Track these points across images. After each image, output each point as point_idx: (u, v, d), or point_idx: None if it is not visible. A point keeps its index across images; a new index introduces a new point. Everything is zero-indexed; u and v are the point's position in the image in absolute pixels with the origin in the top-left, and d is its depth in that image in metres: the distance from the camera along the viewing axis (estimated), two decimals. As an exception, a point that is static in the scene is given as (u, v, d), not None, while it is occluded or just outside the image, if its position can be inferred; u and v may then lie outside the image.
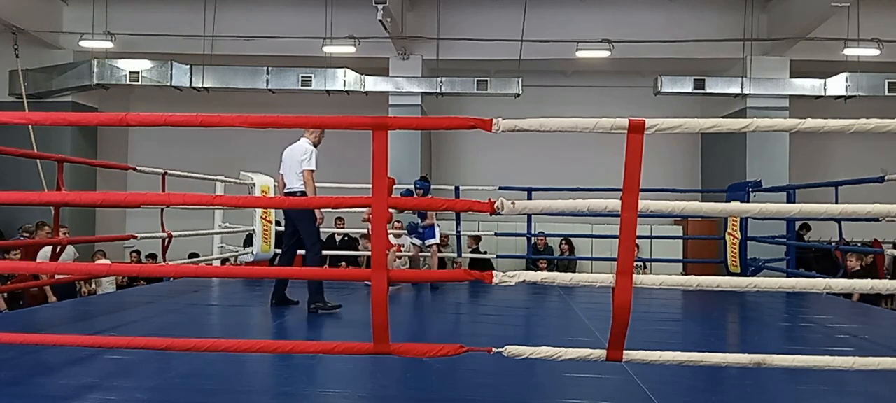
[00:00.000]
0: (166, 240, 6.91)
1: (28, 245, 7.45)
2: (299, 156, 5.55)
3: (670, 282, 2.78)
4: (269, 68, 11.54)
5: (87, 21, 11.55)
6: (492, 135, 2.60)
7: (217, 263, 8.40)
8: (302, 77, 11.52)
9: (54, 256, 5.40)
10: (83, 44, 11.61)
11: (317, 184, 5.57)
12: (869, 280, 2.69)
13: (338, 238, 10.93)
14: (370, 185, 2.62)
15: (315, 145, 5.72)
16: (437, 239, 7.84)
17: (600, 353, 2.65)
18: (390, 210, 5.86)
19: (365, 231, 8.86)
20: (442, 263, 9.42)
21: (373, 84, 11.75)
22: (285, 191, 5.71)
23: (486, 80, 11.45)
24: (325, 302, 5.40)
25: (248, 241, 10.14)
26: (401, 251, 10.14)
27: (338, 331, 4.92)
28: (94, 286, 8.74)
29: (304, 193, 5.49)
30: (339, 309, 5.42)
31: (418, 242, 7.86)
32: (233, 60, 11.72)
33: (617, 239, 2.58)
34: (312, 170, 5.50)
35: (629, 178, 2.51)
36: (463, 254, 9.43)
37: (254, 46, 11.55)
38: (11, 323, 4.80)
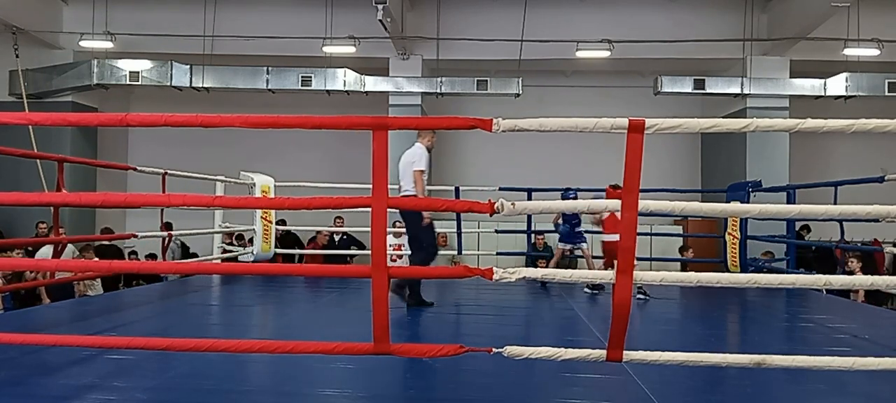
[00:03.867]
0: (166, 240, 6.91)
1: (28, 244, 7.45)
2: (411, 158, 5.82)
3: (670, 279, 2.78)
4: (269, 68, 11.54)
5: (87, 21, 11.55)
6: (492, 135, 2.60)
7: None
8: (302, 77, 11.52)
9: (55, 256, 5.40)
10: (83, 44, 11.61)
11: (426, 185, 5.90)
12: (868, 277, 2.69)
13: (337, 237, 10.93)
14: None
15: (429, 149, 5.95)
16: (586, 243, 7.68)
17: (600, 353, 2.65)
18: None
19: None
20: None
21: (373, 84, 11.75)
22: (401, 193, 5.89)
23: (486, 80, 11.45)
24: (420, 299, 5.69)
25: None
26: (401, 250, 10.15)
27: (338, 331, 4.92)
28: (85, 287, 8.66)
29: (413, 194, 5.71)
30: (432, 305, 5.72)
31: (567, 245, 7.71)
32: (233, 60, 11.73)
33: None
34: (422, 170, 5.72)
35: (629, 178, 2.51)
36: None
37: (254, 46, 11.55)
38: (11, 323, 4.80)
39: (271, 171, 8.94)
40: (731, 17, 11.63)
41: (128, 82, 11.58)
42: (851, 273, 7.73)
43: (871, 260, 9.75)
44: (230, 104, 12.68)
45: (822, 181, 9.36)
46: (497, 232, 9.95)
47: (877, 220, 2.60)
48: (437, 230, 10.74)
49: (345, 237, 10.93)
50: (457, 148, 13.37)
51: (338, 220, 10.91)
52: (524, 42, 11.17)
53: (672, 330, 5.26)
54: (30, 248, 8.64)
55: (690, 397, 3.25)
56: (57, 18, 11.90)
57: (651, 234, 10.78)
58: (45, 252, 7.13)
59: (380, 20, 9.72)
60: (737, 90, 11.49)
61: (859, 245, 10.88)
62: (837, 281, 3.02)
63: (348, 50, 11.41)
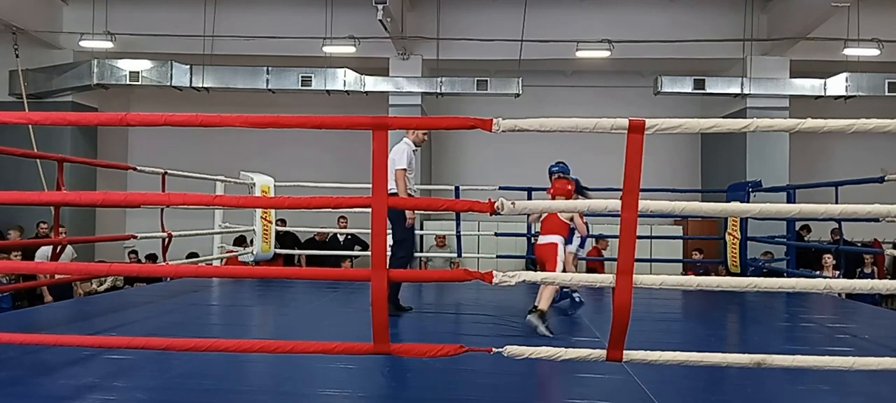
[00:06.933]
0: (166, 240, 6.90)
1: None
2: (392, 156, 5.47)
3: (670, 282, 2.78)
4: (269, 68, 11.54)
5: (87, 21, 11.54)
6: (492, 135, 2.60)
7: (217, 263, 8.39)
8: (302, 77, 11.52)
9: (54, 256, 5.39)
10: (83, 44, 11.61)
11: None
12: (868, 280, 2.69)
13: (341, 237, 10.92)
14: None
15: (417, 145, 5.66)
16: (574, 247, 6.06)
17: (600, 353, 2.65)
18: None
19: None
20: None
21: (373, 84, 11.75)
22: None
23: (486, 80, 11.45)
24: (397, 305, 5.42)
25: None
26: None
27: (338, 331, 4.92)
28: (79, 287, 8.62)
29: (395, 193, 5.39)
30: (409, 312, 5.50)
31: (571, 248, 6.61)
32: (233, 60, 11.72)
33: (617, 239, 2.58)
34: (403, 169, 5.47)
35: (629, 178, 2.51)
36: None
37: (254, 46, 11.55)
38: (11, 323, 4.80)
39: (271, 171, 8.94)
40: (731, 17, 11.63)
41: (128, 82, 11.57)
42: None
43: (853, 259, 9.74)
44: (230, 104, 12.68)
45: (822, 181, 9.35)
46: (497, 234, 9.94)
47: (877, 220, 2.60)
48: (438, 232, 10.80)
49: (349, 237, 10.93)
50: (457, 148, 13.37)
51: (342, 220, 10.91)
52: (524, 42, 11.17)
53: (672, 330, 5.26)
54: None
55: (690, 397, 3.25)
56: (57, 18, 11.90)
57: (651, 237, 10.77)
58: (45, 252, 7.13)
59: (380, 20, 9.72)
60: (737, 90, 11.49)
61: (859, 245, 10.89)
62: (837, 285, 3.02)
63: (348, 50, 11.41)
